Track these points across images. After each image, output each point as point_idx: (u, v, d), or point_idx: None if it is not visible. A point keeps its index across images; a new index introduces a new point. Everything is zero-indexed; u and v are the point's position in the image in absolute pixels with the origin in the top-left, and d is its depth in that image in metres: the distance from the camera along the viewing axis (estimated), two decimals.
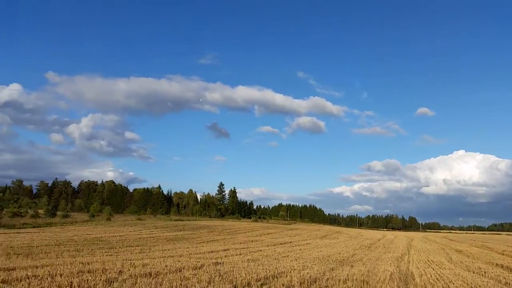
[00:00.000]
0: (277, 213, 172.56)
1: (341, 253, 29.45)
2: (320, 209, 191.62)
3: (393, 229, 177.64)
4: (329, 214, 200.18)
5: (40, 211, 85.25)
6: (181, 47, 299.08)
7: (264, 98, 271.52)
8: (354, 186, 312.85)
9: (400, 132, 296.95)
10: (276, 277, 13.95)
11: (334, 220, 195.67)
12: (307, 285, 12.96)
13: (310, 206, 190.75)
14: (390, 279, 15.50)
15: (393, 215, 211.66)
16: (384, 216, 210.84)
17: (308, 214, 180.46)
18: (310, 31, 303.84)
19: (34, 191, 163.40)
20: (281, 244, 37.66)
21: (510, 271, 21.44)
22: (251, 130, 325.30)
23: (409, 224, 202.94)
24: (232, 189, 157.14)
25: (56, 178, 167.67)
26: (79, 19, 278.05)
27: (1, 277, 11.29)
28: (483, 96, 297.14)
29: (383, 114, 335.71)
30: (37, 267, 13.99)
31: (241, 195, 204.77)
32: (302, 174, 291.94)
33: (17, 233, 38.95)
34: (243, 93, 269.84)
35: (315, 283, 13.46)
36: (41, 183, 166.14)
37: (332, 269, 17.92)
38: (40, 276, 11.74)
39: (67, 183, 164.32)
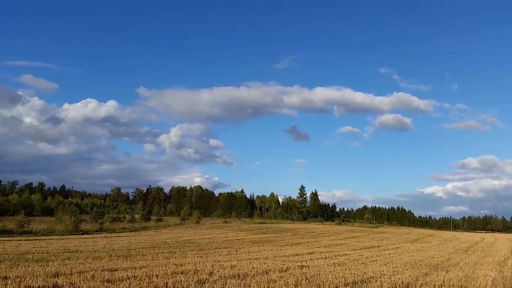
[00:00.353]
0: (362, 216, 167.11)
1: (435, 258, 27.57)
2: (409, 211, 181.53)
3: (493, 231, 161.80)
4: (419, 216, 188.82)
5: (137, 216, 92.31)
6: (257, 54, 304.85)
7: (343, 98, 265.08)
8: (446, 185, 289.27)
9: (497, 124, 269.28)
10: (365, 282, 13.49)
11: (425, 222, 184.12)
12: None
13: (398, 208, 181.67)
14: (492, 285, 14.15)
15: (492, 216, 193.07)
16: (481, 217, 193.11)
17: (396, 216, 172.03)
18: (389, 26, 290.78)
19: (131, 197, 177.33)
20: (368, 248, 36.35)
21: None
22: (331, 131, 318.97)
23: (511, 226, 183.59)
24: (314, 192, 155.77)
25: (150, 185, 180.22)
26: (163, 37, 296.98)
27: (106, 277, 12.38)
28: None
29: (476, 107, 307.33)
30: (135, 268, 15.11)
31: (323, 198, 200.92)
32: (388, 175, 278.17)
33: (117, 236, 42.53)
34: (322, 94, 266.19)
35: None
36: (136, 190, 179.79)
37: (426, 274, 16.86)
38: (139, 276, 12.66)
39: (159, 189, 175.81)
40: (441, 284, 13.56)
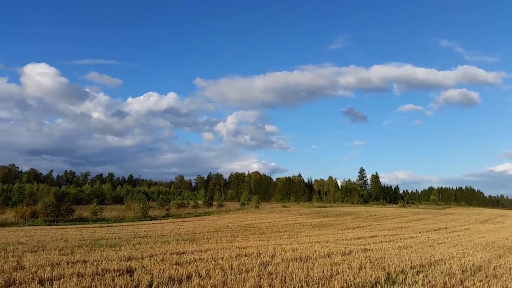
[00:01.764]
0: (427, 197, 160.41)
1: (509, 239, 25.87)
2: (479, 191, 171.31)
3: None
4: (490, 196, 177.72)
5: (199, 201, 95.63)
6: (310, 36, 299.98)
7: (403, 75, 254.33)
8: None
9: None
10: (433, 265, 12.99)
11: (496, 202, 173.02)
12: (471, 273, 11.75)
13: (466, 188, 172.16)
14: None
15: None
16: None
17: (464, 197, 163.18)
18: None
19: (193, 184, 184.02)
20: (434, 230, 34.90)
21: None
22: (391, 110, 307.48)
23: None
24: (374, 174, 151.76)
25: (210, 172, 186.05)
26: (215, 28, 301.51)
27: (175, 259, 13.01)
28: None
29: None
30: (201, 251, 15.72)
31: (384, 180, 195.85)
32: (454, 153, 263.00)
33: (182, 221, 44.42)
34: (379, 72, 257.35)
35: (480, 271, 12.12)
36: (198, 177, 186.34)
37: (500, 256, 15.89)
38: (205, 259, 13.16)
39: (219, 176, 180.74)
40: None
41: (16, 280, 9.48)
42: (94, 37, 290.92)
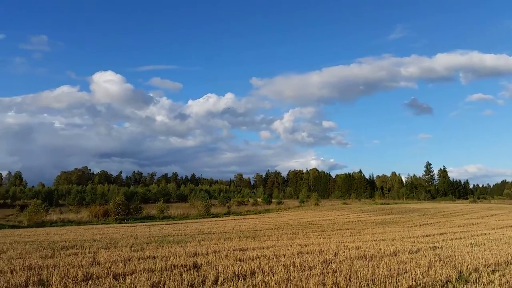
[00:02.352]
0: (500, 191, 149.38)
1: None
2: None
3: None
4: None
5: (259, 199, 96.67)
6: (366, 28, 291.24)
7: (470, 62, 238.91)
8: None
9: None
10: (510, 263, 12.09)
11: None
12: None
13: None
14: None
15: None
16: None
17: None
18: None
19: (252, 182, 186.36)
20: (510, 226, 32.42)
21: None
22: (458, 100, 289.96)
23: None
24: (442, 168, 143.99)
25: (268, 170, 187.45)
26: (268, 26, 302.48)
27: (238, 256, 13.27)
28: None
29: None
30: (263, 248, 15.88)
31: (453, 174, 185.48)
32: None
33: (243, 219, 45.14)
34: (444, 61, 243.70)
35: None
36: (256, 175, 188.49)
37: None
38: (267, 256, 13.28)
39: (277, 174, 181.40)
40: None
41: (93, 274, 10.19)
42: (155, 44, 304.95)
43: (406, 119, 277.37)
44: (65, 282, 9.18)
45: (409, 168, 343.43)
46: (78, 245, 17.82)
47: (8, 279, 9.48)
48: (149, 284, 8.98)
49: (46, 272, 10.43)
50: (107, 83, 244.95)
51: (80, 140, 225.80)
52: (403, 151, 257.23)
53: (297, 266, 11.19)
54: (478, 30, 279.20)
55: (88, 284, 9.01)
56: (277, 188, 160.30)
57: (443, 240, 20.34)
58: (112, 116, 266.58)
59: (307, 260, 12.16)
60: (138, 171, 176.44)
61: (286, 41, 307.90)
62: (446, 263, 11.83)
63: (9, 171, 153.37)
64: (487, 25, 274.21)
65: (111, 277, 9.94)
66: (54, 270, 10.71)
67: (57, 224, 41.37)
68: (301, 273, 10.17)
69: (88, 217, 47.87)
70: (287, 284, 9.03)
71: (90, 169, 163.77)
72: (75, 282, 9.26)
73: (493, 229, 29.44)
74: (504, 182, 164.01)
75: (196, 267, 11.32)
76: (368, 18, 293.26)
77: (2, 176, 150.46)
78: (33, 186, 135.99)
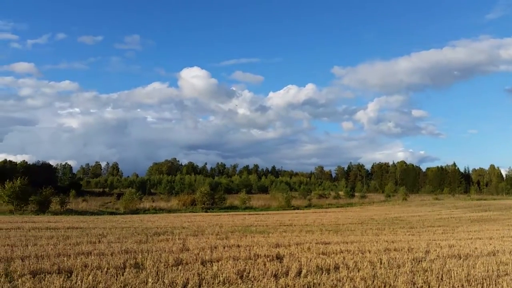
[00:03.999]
0: None
1: None
2: None
3: None
4: None
5: (340, 192, 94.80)
6: (461, 7, 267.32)
7: None
8: None
9: None
10: None
11: None
12: None
13: None
14: None
15: None
16: None
17: None
18: None
19: (333, 175, 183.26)
20: None
21: None
22: None
23: None
24: None
25: (351, 162, 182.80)
26: (352, 13, 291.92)
27: (321, 249, 13.10)
28: None
29: None
30: (346, 242, 15.49)
31: None
32: None
33: (324, 212, 44.61)
34: None
35: None
36: (338, 167, 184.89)
37: None
38: (352, 251, 12.92)
39: (360, 166, 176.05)
40: None
41: (183, 260, 10.76)
42: (237, 38, 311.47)
43: (508, 106, 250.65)
44: (157, 266, 9.82)
45: (510, 160, 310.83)
46: (169, 232, 19.00)
47: (108, 260, 10.41)
48: (234, 271, 9.23)
49: (140, 256, 11.26)
50: (194, 78, 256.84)
51: (169, 133, 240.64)
52: (504, 142, 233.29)
53: (384, 263, 10.72)
54: None
55: (179, 269, 9.52)
56: (360, 182, 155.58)
57: None
58: (198, 110, 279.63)
59: (395, 257, 11.60)
60: (222, 162, 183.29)
61: (370, 26, 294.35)
62: None
63: (107, 162, 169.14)
64: None
65: (199, 263, 10.42)
66: (148, 254, 11.52)
67: (149, 212, 44.66)
68: (388, 271, 9.73)
69: (177, 205, 50.95)
70: (373, 281, 8.68)
71: (178, 161, 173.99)
72: (167, 267, 9.86)
73: None
74: None
75: (279, 258, 11.40)
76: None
77: (101, 166, 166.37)
78: (128, 176, 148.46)
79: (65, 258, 10.61)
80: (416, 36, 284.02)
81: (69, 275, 8.84)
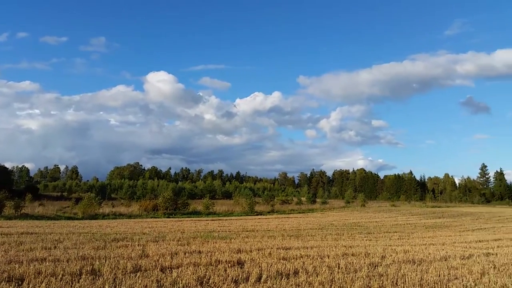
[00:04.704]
0: None
1: None
2: None
3: None
4: None
5: (303, 198, 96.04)
6: (421, 23, 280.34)
7: None
8: None
9: None
10: None
11: None
12: None
13: None
14: None
15: None
16: None
17: None
18: None
19: (296, 181, 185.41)
20: None
21: None
22: None
23: None
24: (498, 171, 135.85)
25: (313, 169, 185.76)
26: (318, 24, 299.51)
27: (281, 254, 13.26)
28: None
29: None
30: (306, 247, 15.76)
31: (511, 178, 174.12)
32: None
33: (286, 217, 45.05)
34: (504, 57, 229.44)
35: None
36: (301, 174, 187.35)
37: None
38: (311, 256, 13.17)
39: (322, 173, 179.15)
40: None
41: (142, 266, 10.58)
42: (206, 44, 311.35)
43: (462, 118, 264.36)
44: (115, 273, 9.61)
45: (463, 170, 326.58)
46: (128, 238, 18.58)
47: (64, 267, 10.07)
48: (194, 278, 9.19)
49: (98, 262, 10.97)
50: (160, 82, 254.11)
51: (133, 137, 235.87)
52: (457, 152, 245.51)
53: (341, 268, 11.01)
54: None
55: (137, 276, 9.36)
56: (321, 188, 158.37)
57: (498, 246, 19.19)
58: (163, 114, 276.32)
59: (352, 262, 11.93)
60: (186, 167, 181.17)
61: (334, 38, 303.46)
62: (501, 271, 11.16)
63: (66, 166, 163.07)
64: None
65: (158, 269, 10.28)
66: (106, 261, 11.24)
67: (109, 217, 43.40)
68: (345, 275, 10.00)
69: (139, 211, 49.80)
70: (331, 285, 8.91)
71: (141, 165, 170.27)
72: (125, 273, 9.66)
73: None
74: None
75: (240, 263, 11.44)
76: (423, 14, 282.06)
77: (60, 170, 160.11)
78: (88, 180, 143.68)
79: (16, 265, 10.16)
80: (377, 49, 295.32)
81: (20, 283, 8.49)
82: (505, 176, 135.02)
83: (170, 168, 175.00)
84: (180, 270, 10.19)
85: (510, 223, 41.69)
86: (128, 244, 15.87)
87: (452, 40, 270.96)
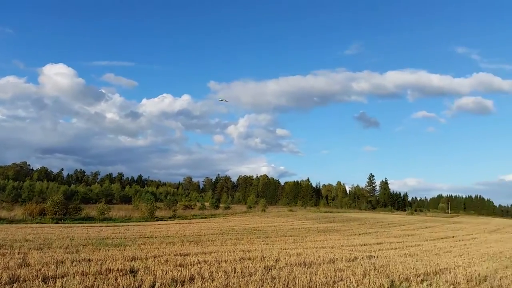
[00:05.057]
0: (436, 205, 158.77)
1: None
2: (488, 200, 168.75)
3: None
4: (500, 205, 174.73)
5: (206, 203, 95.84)
6: (324, 41, 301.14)
7: (418, 81, 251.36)
8: None
9: None
10: (438, 274, 12.86)
11: (506, 212, 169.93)
12: (476, 283, 11.62)
13: (476, 196, 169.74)
14: None
15: None
16: None
17: (473, 206, 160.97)
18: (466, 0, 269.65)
19: (201, 186, 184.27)
20: (441, 238, 34.56)
21: None
22: (404, 117, 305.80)
23: None
24: (384, 180, 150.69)
25: (218, 174, 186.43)
26: (230, 33, 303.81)
27: (179, 261, 13.04)
28: None
29: None
30: (205, 253, 15.73)
31: (394, 187, 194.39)
32: (466, 162, 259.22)
33: (188, 223, 44.48)
34: (394, 78, 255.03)
35: (485, 281, 11.96)
36: (206, 179, 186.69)
37: (506, 267, 15.64)
38: (209, 261, 13.17)
39: (227, 178, 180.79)
40: None
41: (20, 277, 9.58)
42: (112, 38, 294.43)
43: (355, 131, 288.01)
44: None
45: (354, 178, 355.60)
46: (7, 245, 16.67)
47: None
48: None
49: None
50: (58, 76, 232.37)
51: (22, 133, 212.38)
52: (349, 162, 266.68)
53: (237, 272, 11.19)
54: (428, 51, 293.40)
55: (14, 287, 8.44)
56: (226, 193, 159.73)
57: (379, 249, 21.23)
58: (59, 110, 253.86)
59: (248, 266, 12.20)
60: (81, 169, 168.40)
61: (246, 48, 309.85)
62: (380, 272, 12.34)
63: None
64: (437, 47, 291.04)
65: (40, 279, 9.39)
66: None
67: None
68: (240, 279, 10.18)
69: (23, 215, 44.93)
70: None
71: (29, 165, 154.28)
72: None
73: (426, 240, 31.21)
74: (440, 197, 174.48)
75: (133, 272, 10.97)
76: (327, 32, 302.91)
77: None
78: None
79: None
80: (284, 62, 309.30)
81: None
82: (389, 185, 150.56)
83: (62, 169, 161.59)
84: (65, 279, 9.43)
85: (391, 228, 46.44)
86: (6, 252, 14.23)
87: (351, 59, 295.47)
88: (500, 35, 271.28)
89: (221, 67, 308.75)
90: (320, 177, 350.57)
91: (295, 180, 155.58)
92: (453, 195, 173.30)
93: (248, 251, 16.95)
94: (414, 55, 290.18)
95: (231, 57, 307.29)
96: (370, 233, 37.24)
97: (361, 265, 13.77)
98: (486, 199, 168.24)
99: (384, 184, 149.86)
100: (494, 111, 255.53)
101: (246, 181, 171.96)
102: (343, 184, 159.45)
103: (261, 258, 14.24)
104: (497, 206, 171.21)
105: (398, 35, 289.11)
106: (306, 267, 12.81)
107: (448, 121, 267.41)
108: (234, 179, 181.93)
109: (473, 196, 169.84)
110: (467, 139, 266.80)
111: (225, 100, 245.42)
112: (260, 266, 12.26)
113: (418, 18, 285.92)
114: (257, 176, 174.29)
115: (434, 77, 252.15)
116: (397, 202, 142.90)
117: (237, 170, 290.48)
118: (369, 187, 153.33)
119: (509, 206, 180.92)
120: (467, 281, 11.68)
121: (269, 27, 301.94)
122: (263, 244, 21.57)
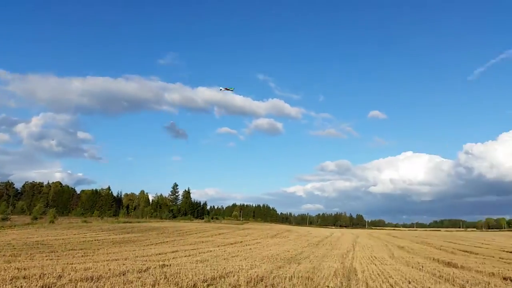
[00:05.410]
0: (231, 213, 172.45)
1: (290, 251, 29.95)
2: (273, 209, 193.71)
3: (341, 226, 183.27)
4: (281, 213, 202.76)
5: None
6: (140, 47, 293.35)
7: (224, 99, 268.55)
8: (307, 185, 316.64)
9: (353, 134, 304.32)
10: (223, 277, 13.95)
11: (285, 219, 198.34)
12: (254, 284, 13.07)
13: (263, 205, 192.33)
14: (334, 275, 15.99)
15: (341, 213, 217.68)
16: (333, 215, 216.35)
17: (261, 213, 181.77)
18: (270, 32, 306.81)
19: None
20: (231, 244, 37.69)
21: (445, 264, 22.83)
22: (211, 131, 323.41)
23: (356, 222, 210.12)
24: (186, 190, 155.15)
25: None
26: (35, 16, 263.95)
27: None
28: (432, 98, 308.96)
29: (338, 117, 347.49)
30: None
31: (195, 196, 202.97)
32: (258, 174, 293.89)
33: None
34: (204, 94, 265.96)
35: (262, 281, 13.59)
36: None
37: (280, 267, 18.19)
38: None
39: (9, 184, 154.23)
40: (291, 276, 14.77)
41: None
42: None
43: (164, 141, 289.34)
44: None
45: (160, 187, 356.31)
46: None
47: None
48: None
49: None
50: None
51: None
52: (156, 171, 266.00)
53: None
54: (234, 73, 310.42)
55: None
56: (5, 202, 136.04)
57: (173, 258, 21.70)
58: None
59: (22, 286, 10.72)
60: None
61: (47, 36, 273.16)
62: (170, 281, 12.60)
63: None
64: (241, 69, 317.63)
65: None
66: None
67: None
68: None
69: None
70: None
71: None
72: None
73: (218, 246, 33.53)
74: (234, 205, 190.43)
75: None
76: (142, 39, 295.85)
77: None
78: None
79: None
80: (94, 60, 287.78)
81: None
82: (191, 194, 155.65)
83: None
84: None
85: (188, 236, 48.08)
86: None
87: (164, 69, 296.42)
88: (292, 68, 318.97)
89: (15, 54, 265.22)
90: (123, 186, 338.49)
91: (94, 189, 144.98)
92: (245, 204, 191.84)
93: (24, 268, 14.85)
94: (223, 75, 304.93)
95: (28, 46, 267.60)
96: (167, 242, 37.67)
97: (153, 275, 13.77)
98: (271, 208, 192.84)
99: (187, 193, 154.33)
100: (283, 132, 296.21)
101: (34, 189, 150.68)
102: (147, 193, 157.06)
103: (40, 276, 12.66)
104: (279, 213, 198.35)
105: (210, 53, 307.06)
106: (93, 281, 12.04)
107: (246, 138, 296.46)
108: (18, 185, 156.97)
109: (261, 205, 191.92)
110: (260, 155, 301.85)
111: (227, 89, 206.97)
112: (37, 285, 10.91)
113: (228, 39, 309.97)
114: (48, 183, 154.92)
115: (238, 97, 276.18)
116: (197, 211, 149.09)
117: (23, 176, 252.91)
118: (172, 196, 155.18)
119: (288, 213, 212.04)
120: (247, 283, 13.03)
121: (80, 23, 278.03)
122: (46, 259, 19.27)
